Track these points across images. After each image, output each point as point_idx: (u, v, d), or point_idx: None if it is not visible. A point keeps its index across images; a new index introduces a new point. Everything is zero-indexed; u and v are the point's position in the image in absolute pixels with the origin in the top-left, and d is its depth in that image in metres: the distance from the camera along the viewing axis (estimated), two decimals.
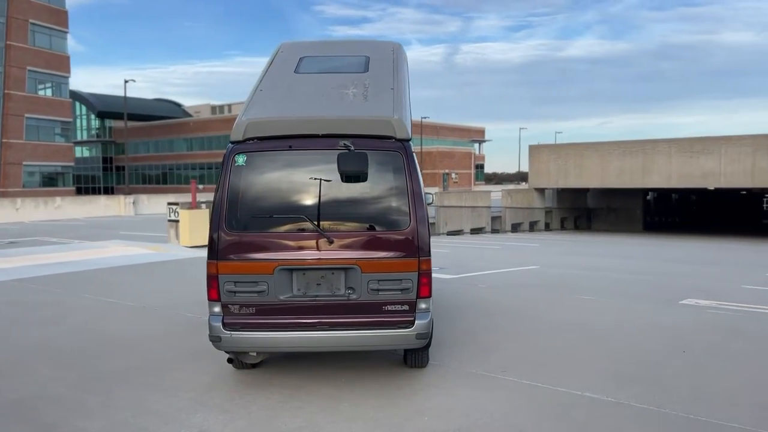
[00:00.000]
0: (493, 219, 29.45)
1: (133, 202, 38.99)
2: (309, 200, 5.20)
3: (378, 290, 5.08)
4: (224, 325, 5.11)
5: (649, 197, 38.41)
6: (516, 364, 6.03)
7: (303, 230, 5.13)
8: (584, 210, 36.90)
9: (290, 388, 5.37)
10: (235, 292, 5.12)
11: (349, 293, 5.09)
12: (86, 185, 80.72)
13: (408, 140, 5.33)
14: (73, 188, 55.29)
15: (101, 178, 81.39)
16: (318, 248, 5.10)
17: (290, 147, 5.24)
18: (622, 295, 9.80)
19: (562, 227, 34.60)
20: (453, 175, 74.42)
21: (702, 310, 8.54)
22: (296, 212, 5.16)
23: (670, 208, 43.14)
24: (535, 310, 8.50)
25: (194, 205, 17.59)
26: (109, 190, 76.86)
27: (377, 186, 5.20)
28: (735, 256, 18.63)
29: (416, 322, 5.11)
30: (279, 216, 5.17)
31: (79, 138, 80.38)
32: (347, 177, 5.08)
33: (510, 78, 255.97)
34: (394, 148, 5.22)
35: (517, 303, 9.03)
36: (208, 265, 5.19)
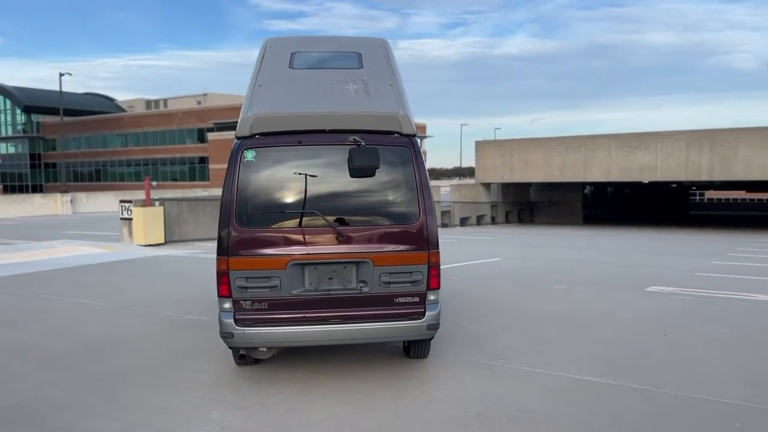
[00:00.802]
0: (443, 213, 29.88)
1: (71, 201, 37.54)
2: (321, 195, 5.24)
3: (390, 283, 5.18)
4: (236, 321, 5.10)
5: (586, 191, 39.75)
6: (511, 352, 6.23)
7: (314, 225, 5.17)
8: (527, 204, 37.88)
9: (299, 383, 5.41)
10: (246, 287, 5.11)
11: (361, 286, 5.17)
12: (12, 183, 77.15)
13: (414, 135, 5.44)
14: None
15: (29, 176, 77.86)
16: (330, 243, 5.15)
17: (299, 142, 5.27)
18: (589, 284, 10.22)
19: (507, 221, 35.43)
20: None
21: (668, 296, 9.02)
22: (307, 207, 5.19)
23: (606, 201, 44.75)
24: (514, 301, 8.77)
25: (148, 203, 17.16)
26: (37, 189, 73.66)
27: (386, 181, 5.29)
28: (675, 246, 19.57)
29: (427, 313, 5.23)
30: (290, 211, 5.19)
31: (2, 134, 76.74)
32: (359, 172, 5.14)
33: (447, 74, 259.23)
34: (402, 143, 5.32)
35: (494, 294, 9.29)
36: (218, 261, 5.16)
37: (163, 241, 17.25)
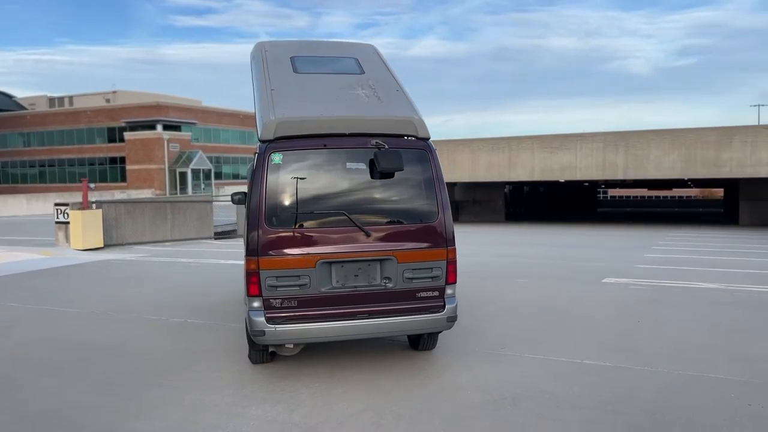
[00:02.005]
0: None
1: None
2: (345, 196, 5.47)
3: (412, 279, 5.48)
4: (267, 319, 5.24)
5: (506, 190, 41.32)
6: (508, 342, 6.66)
7: (340, 224, 5.39)
8: (453, 203, 38.89)
9: (322, 377, 5.60)
10: (276, 286, 5.27)
11: (386, 282, 5.43)
12: None
13: (429, 139, 5.75)
14: None
15: None
16: (356, 241, 5.39)
17: (325, 145, 5.47)
18: (548, 278, 10.87)
19: None
20: None
21: (625, 286, 9.77)
22: (334, 208, 5.41)
23: (524, 199, 46.63)
24: (490, 295, 9.25)
25: (86, 206, 16.56)
26: None
27: (407, 181, 5.58)
28: (602, 241, 20.81)
29: (446, 306, 5.57)
30: (318, 212, 5.38)
31: None
32: (383, 173, 5.40)
33: None
34: (420, 146, 5.63)
35: (468, 290, 9.72)
36: (247, 261, 5.29)
37: (102, 245, 16.72)
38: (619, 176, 29.83)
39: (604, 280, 10.42)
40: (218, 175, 62.65)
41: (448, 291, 5.61)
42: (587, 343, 6.58)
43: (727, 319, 7.57)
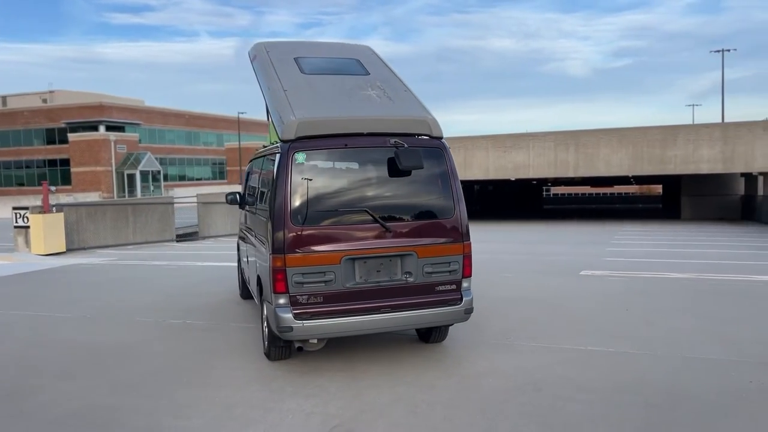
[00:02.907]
0: None
1: None
2: (365, 193, 5.62)
3: (431, 273, 5.68)
4: (295, 315, 5.35)
5: None
6: (511, 333, 6.94)
7: (363, 221, 5.54)
8: None
9: (343, 371, 5.73)
10: (303, 283, 5.38)
11: (407, 277, 5.62)
12: None
13: (442, 137, 5.97)
14: None
15: None
16: (378, 238, 5.55)
17: (346, 145, 5.61)
18: (529, 272, 11.25)
19: None
20: None
21: (603, 278, 10.23)
22: (356, 205, 5.55)
23: (474, 197, 47.50)
24: (478, 290, 9.40)
25: (47, 209, 16.09)
26: None
27: (424, 179, 5.77)
28: (558, 237, 21.53)
29: (463, 299, 5.80)
30: (342, 209, 5.52)
31: None
32: (404, 171, 5.58)
33: None
34: (436, 145, 5.84)
35: None
36: (274, 259, 5.38)
37: (64, 249, 16.30)
38: (570, 174, 30.81)
39: (581, 273, 10.87)
40: (164, 177, 61.36)
41: (464, 284, 5.84)
42: (586, 331, 6.92)
43: (708, 306, 8.06)
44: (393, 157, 5.59)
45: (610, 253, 14.43)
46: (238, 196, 8.65)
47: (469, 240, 5.86)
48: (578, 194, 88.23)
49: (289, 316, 5.35)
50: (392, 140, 5.66)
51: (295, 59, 6.87)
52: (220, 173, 75.36)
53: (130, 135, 58.07)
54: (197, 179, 70.25)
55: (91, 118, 56.81)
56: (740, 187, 35.03)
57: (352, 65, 6.96)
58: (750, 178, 32.78)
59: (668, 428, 4.38)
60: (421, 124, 5.88)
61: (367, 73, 6.78)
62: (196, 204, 22.01)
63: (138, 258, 15.20)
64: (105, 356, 6.49)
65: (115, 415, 4.90)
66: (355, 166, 5.68)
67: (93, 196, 47.46)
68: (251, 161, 8.09)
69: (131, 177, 54.53)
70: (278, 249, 5.38)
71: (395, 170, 5.60)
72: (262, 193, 6.41)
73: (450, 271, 5.75)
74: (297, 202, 5.42)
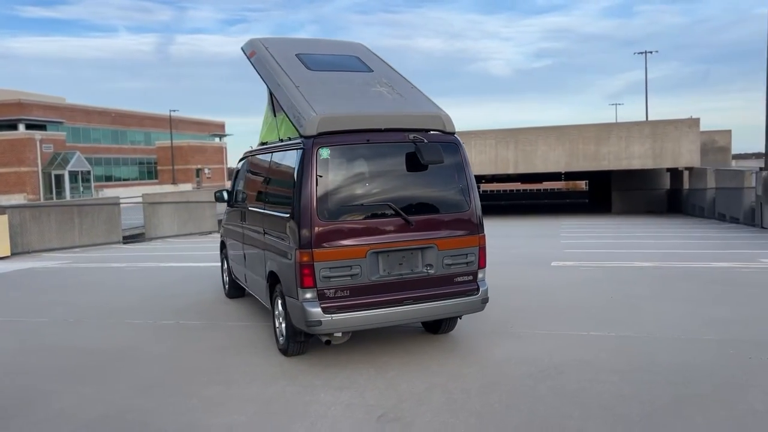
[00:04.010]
0: None
1: None
2: (386, 188, 5.71)
3: (451, 265, 5.83)
4: (323, 309, 5.38)
5: None
6: (510, 322, 7.17)
7: (386, 215, 5.63)
8: None
9: (364, 363, 5.79)
10: (330, 277, 5.43)
11: (428, 269, 5.75)
12: None
13: (454, 133, 6.13)
14: None
15: None
16: (401, 231, 5.66)
17: (368, 140, 5.68)
18: (502, 264, 11.51)
19: None
20: (206, 171, 72.33)
21: (574, 269, 10.67)
22: (378, 200, 5.64)
23: None
24: None
25: None
26: None
27: (442, 174, 5.91)
28: (507, 231, 22.10)
29: (480, 289, 5.98)
30: (367, 204, 5.60)
31: None
32: (423, 166, 5.70)
33: (229, 72, 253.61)
34: (451, 140, 5.99)
35: None
36: (301, 254, 5.39)
37: (9, 253, 15.53)
38: (511, 171, 31.72)
39: (552, 264, 11.30)
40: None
41: (480, 275, 6.02)
42: (580, 318, 7.24)
43: (682, 291, 8.57)
44: (412, 152, 5.70)
45: (567, 246, 15.02)
46: (227, 194, 8.56)
47: (483, 232, 6.05)
48: (511, 191, 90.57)
49: (318, 310, 5.38)
50: (411, 135, 5.77)
51: (297, 56, 6.86)
52: (149, 173, 73.04)
53: (57, 134, 55.44)
54: (124, 179, 67.82)
55: (10, 116, 53.89)
56: (666, 182, 36.94)
57: (354, 62, 7.02)
58: (675, 173, 34.65)
59: (696, 402, 4.70)
60: (435, 119, 6.02)
61: (371, 70, 6.85)
62: (133, 204, 21.34)
63: (92, 261, 14.65)
64: (109, 359, 6.31)
65: (149, 416, 4.81)
66: (375, 161, 5.76)
67: (18, 198, 45.05)
68: (247, 158, 8.00)
69: (59, 178, 52.03)
70: (305, 244, 5.40)
71: (414, 165, 5.71)
72: (277, 189, 6.37)
73: (467, 263, 5.92)
74: (323, 197, 5.45)
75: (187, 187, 57.06)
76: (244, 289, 8.79)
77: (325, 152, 5.52)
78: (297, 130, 5.79)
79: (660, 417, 4.45)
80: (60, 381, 5.70)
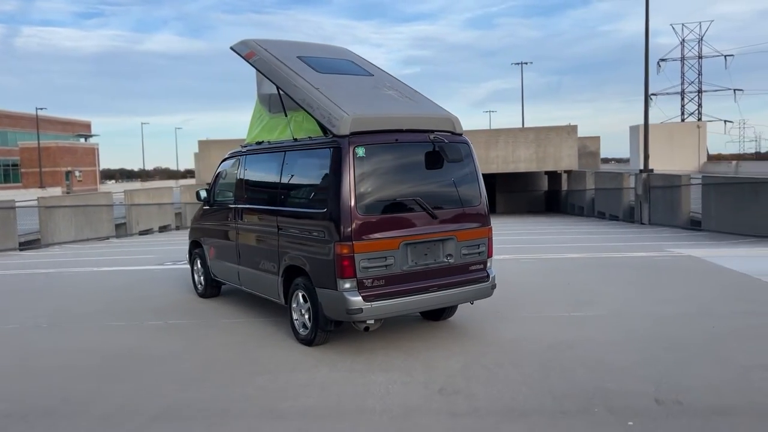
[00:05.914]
0: (176, 215, 29.20)
1: None
2: (412, 184, 6.19)
3: (467, 254, 6.39)
4: (363, 297, 5.75)
5: None
6: (498, 308, 7.77)
7: (413, 209, 6.09)
8: None
9: (390, 350, 6.16)
10: (368, 267, 5.81)
11: (448, 259, 6.27)
12: None
13: (462, 133, 6.69)
14: None
15: None
16: (427, 224, 6.15)
17: (396, 140, 6.11)
18: None
19: None
20: (77, 173, 67.58)
21: (519, 260, 11.54)
22: (407, 195, 6.09)
23: None
24: None
25: None
26: None
27: (457, 171, 6.46)
28: None
29: (489, 276, 6.59)
30: (399, 199, 6.02)
31: None
32: (442, 164, 6.22)
33: (86, 68, 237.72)
34: (463, 141, 6.55)
35: None
36: (339, 246, 5.73)
37: None
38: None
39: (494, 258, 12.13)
40: None
41: (488, 263, 6.63)
42: (555, 302, 8.01)
43: (624, 277, 9.59)
44: (431, 150, 6.19)
45: (504, 241, 16.01)
46: (208, 193, 8.60)
47: (491, 224, 6.66)
48: None
49: (359, 299, 5.73)
50: (431, 136, 6.27)
51: (299, 58, 7.09)
52: (6, 175, 67.28)
53: None
54: None
55: None
56: (544, 184, 39.89)
57: (352, 66, 7.38)
58: (553, 176, 37.55)
59: (697, 361, 5.59)
60: (446, 122, 6.55)
61: (371, 74, 7.25)
62: (21, 208, 20.04)
63: (8, 267, 13.67)
64: (125, 359, 6.24)
65: (211, 405, 4.96)
66: (402, 159, 6.19)
67: None
68: (237, 157, 8.05)
69: None
70: (346, 237, 5.73)
71: (433, 163, 6.21)
72: (301, 187, 6.59)
73: (479, 252, 6.50)
74: (360, 193, 5.81)
75: (57, 191, 53.20)
76: (221, 288, 8.84)
77: (361, 150, 5.88)
78: (324, 130, 6.09)
79: (673, 375, 5.27)
80: (92, 381, 5.62)
